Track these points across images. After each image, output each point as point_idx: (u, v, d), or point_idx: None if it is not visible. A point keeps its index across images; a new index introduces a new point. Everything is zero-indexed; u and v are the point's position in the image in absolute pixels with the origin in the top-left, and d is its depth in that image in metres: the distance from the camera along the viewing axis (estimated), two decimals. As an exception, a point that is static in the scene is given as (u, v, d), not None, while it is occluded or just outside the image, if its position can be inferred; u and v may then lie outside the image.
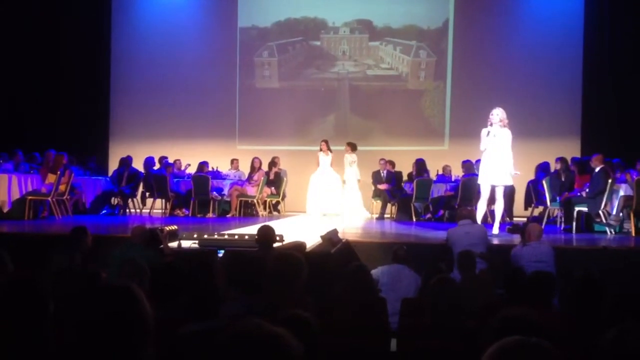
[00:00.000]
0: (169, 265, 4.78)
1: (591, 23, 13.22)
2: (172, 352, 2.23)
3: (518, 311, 2.33)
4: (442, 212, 11.62)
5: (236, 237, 6.85)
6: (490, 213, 9.41)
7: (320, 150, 12.42)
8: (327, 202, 12.08)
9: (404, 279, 5.73)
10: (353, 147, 12.47)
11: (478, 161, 9.80)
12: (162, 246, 6.24)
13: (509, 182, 8.74)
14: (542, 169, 11.12)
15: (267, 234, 5.69)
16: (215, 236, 6.92)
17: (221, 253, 5.78)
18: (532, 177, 11.42)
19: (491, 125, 8.44)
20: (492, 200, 8.82)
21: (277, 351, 1.34)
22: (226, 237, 6.89)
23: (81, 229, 6.13)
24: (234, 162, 12.99)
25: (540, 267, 5.70)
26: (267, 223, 6.46)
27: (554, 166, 10.84)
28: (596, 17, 13.14)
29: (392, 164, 12.55)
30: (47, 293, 2.28)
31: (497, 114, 8.44)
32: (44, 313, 2.22)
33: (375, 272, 5.60)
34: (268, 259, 3.71)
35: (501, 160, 8.46)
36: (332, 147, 12.36)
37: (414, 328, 3.86)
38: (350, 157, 12.43)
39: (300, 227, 9.54)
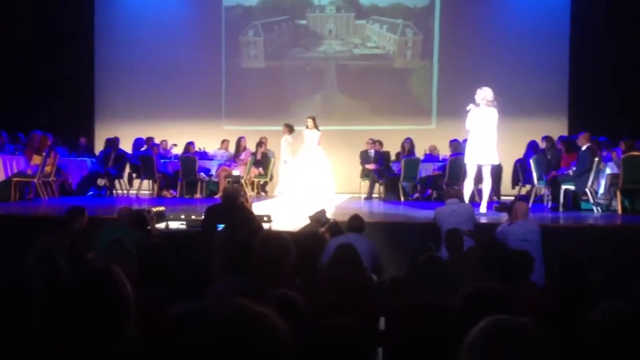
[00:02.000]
0: (156, 246, 4.77)
1: (578, 2, 13.20)
2: (159, 332, 2.22)
3: (483, 286, 2.33)
4: (430, 191, 11.65)
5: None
6: (477, 192, 9.44)
7: (307, 127, 11.91)
8: (314, 180, 11.59)
9: (359, 248, 5.78)
10: (290, 129, 12.40)
11: (465, 140, 9.81)
12: (149, 227, 6.22)
13: (496, 161, 8.77)
14: (532, 148, 11.13)
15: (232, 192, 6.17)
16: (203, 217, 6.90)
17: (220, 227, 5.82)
18: (518, 155, 11.45)
19: (477, 104, 8.45)
20: (479, 179, 8.84)
21: (263, 331, 1.33)
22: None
23: (78, 209, 6.11)
24: (224, 142, 12.90)
25: (526, 246, 5.74)
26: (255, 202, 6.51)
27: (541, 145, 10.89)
28: (583, -4, 13.13)
29: (381, 143, 12.54)
30: (31, 274, 2.25)
31: (483, 93, 8.44)
32: (29, 294, 2.20)
33: (332, 242, 5.63)
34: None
35: (487, 140, 8.47)
36: (320, 128, 12.10)
37: (402, 307, 3.87)
38: (289, 139, 12.35)
39: (288, 208, 9.53)
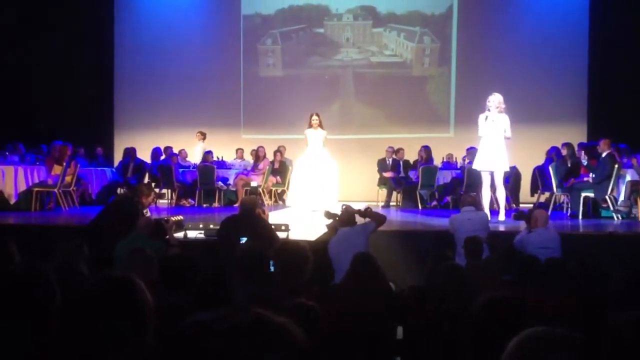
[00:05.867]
0: (176, 255, 4.79)
1: (597, 7, 13.12)
2: (176, 341, 2.23)
3: (499, 295, 2.32)
4: (447, 199, 11.60)
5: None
6: (496, 200, 9.38)
7: (310, 126, 10.40)
8: (318, 194, 10.01)
9: (355, 239, 6.01)
10: (204, 136, 12.42)
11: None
12: (167, 237, 6.26)
13: (507, 168, 8.70)
14: (553, 154, 11.01)
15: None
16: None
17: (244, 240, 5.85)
18: (537, 162, 11.37)
19: (489, 111, 8.42)
20: (494, 186, 8.79)
21: (280, 341, 1.33)
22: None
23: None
24: (238, 151, 13.00)
25: (547, 254, 5.69)
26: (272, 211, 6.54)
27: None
28: (603, 2, 13.03)
29: (401, 152, 12.47)
30: (52, 284, 2.28)
31: (494, 100, 8.41)
32: (49, 304, 2.22)
33: (332, 244, 6.09)
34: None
35: (498, 146, 8.42)
36: (337, 136, 11.89)
37: (420, 315, 3.86)
38: (203, 145, 12.39)
39: (306, 217, 9.51)
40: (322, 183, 10.15)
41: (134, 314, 1.90)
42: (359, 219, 6.50)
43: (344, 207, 6.62)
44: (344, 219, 6.36)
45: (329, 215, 6.69)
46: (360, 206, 6.86)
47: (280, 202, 12.71)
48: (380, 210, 11.07)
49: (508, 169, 8.83)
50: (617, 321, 2.02)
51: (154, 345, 1.93)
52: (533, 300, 3.38)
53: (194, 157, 12.94)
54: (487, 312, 2.20)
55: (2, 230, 7.69)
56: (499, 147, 8.41)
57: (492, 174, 8.58)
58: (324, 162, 10.36)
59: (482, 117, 8.44)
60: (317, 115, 10.39)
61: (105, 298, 1.91)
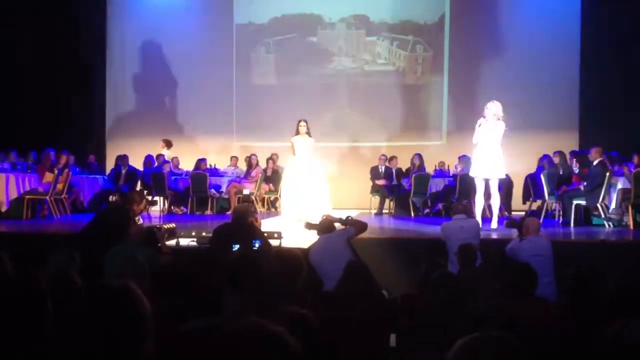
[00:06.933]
0: (168, 263, 4.78)
1: (588, 16, 13.21)
2: (171, 349, 2.23)
3: (490, 303, 2.33)
4: (439, 206, 11.62)
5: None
6: (488, 207, 9.41)
7: (297, 132, 9.94)
8: (305, 203, 9.53)
9: (334, 244, 6.11)
10: (168, 144, 12.38)
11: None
12: (159, 244, 6.24)
13: (502, 175, 8.72)
14: (545, 162, 11.05)
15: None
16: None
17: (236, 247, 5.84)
18: (529, 170, 11.41)
19: (484, 117, 8.45)
20: (489, 194, 8.81)
21: (276, 350, 1.34)
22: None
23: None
24: (232, 159, 13.00)
25: (539, 261, 5.70)
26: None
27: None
28: (593, 11, 13.11)
29: (394, 160, 12.49)
30: (44, 293, 2.27)
31: (492, 107, 8.44)
32: (42, 312, 2.21)
33: (312, 252, 6.11)
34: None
35: (494, 153, 8.45)
36: (330, 144, 11.89)
37: (413, 323, 3.85)
38: (167, 153, 12.42)
39: (298, 224, 9.49)
40: (312, 193, 9.66)
41: (132, 323, 1.90)
42: (341, 228, 6.52)
43: (324, 217, 6.65)
44: (324, 228, 6.38)
45: (309, 226, 6.71)
46: (353, 214, 6.88)
47: (273, 210, 12.70)
48: (373, 218, 11.14)
49: (504, 176, 8.85)
50: (609, 330, 2.03)
51: (153, 353, 1.93)
52: (523, 309, 3.38)
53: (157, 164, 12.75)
54: (478, 320, 2.20)
55: (-7, 238, 7.65)
56: (495, 154, 8.43)
57: (486, 181, 8.60)
58: (314, 171, 9.87)
59: (481, 124, 8.47)
60: (305, 121, 9.97)
61: (103, 307, 1.90)
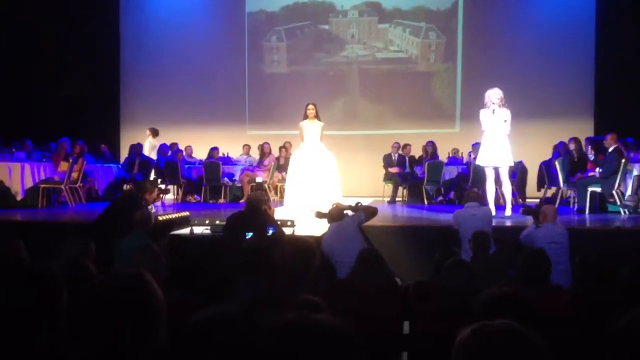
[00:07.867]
0: (185, 252, 4.80)
1: (603, 2, 13.06)
2: (187, 337, 2.24)
3: (503, 290, 2.31)
4: (452, 193, 11.57)
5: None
6: (502, 195, 9.35)
7: (306, 117, 9.52)
8: (318, 193, 9.03)
9: (345, 231, 6.13)
10: (154, 133, 12.32)
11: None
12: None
13: (511, 162, 8.62)
14: (560, 149, 10.97)
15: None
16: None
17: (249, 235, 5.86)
18: (544, 157, 11.34)
19: (493, 103, 8.31)
20: (498, 182, 8.73)
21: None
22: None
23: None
24: (244, 147, 13.01)
25: (554, 249, 5.68)
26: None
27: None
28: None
29: (408, 147, 12.44)
30: (60, 282, 2.29)
31: (494, 94, 8.33)
32: (57, 302, 2.23)
33: (324, 240, 6.11)
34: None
35: (501, 141, 8.36)
36: (343, 132, 11.82)
37: (426, 311, 3.85)
38: (152, 141, 12.37)
39: (310, 214, 9.45)
40: (322, 180, 9.18)
41: (146, 312, 1.90)
42: (351, 215, 6.53)
43: (333, 205, 6.66)
44: (334, 216, 6.38)
45: (320, 215, 6.72)
46: (365, 202, 6.88)
47: (286, 198, 12.69)
48: (386, 206, 11.12)
49: (512, 164, 8.76)
50: (624, 319, 2.01)
51: (166, 341, 1.94)
52: (537, 296, 3.37)
53: (144, 152, 12.70)
54: (490, 308, 2.19)
55: (9, 227, 7.72)
56: (502, 142, 8.35)
57: (496, 169, 8.53)
58: (322, 156, 9.38)
59: (486, 111, 8.36)
60: (314, 105, 9.57)
61: (117, 295, 1.91)
